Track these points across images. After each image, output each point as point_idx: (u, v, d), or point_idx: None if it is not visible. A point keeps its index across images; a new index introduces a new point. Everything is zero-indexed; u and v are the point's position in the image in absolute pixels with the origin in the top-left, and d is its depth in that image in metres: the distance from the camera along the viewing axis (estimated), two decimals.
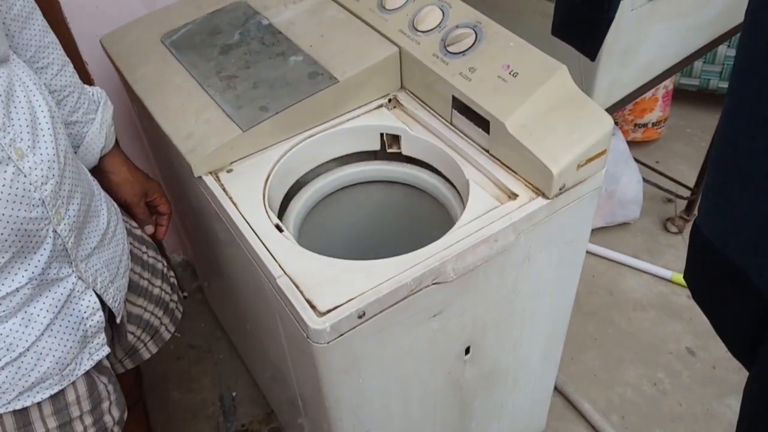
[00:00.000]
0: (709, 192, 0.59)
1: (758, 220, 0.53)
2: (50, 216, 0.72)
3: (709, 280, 0.63)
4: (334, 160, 1.03)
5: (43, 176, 0.71)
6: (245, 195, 0.88)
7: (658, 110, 2.05)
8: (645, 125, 2.09)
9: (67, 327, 0.78)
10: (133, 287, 0.98)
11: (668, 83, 2.01)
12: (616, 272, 1.80)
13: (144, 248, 1.03)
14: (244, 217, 0.85)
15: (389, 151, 1.03)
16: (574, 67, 0.90)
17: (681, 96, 2.26)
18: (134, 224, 1.04)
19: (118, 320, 0.91)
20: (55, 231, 0.74)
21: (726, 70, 2.08)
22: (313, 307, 0.74)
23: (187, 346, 1.69)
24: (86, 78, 1.34)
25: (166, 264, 1.10)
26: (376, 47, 1.00)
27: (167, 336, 1.09)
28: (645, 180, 1.86)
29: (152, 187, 1.05)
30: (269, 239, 0.82)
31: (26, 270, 0.72)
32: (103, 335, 0.84)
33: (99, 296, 0.82)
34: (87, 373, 0.82)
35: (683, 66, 1.30)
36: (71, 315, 0.78)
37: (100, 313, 0.82)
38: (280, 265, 0.79)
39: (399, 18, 1.01)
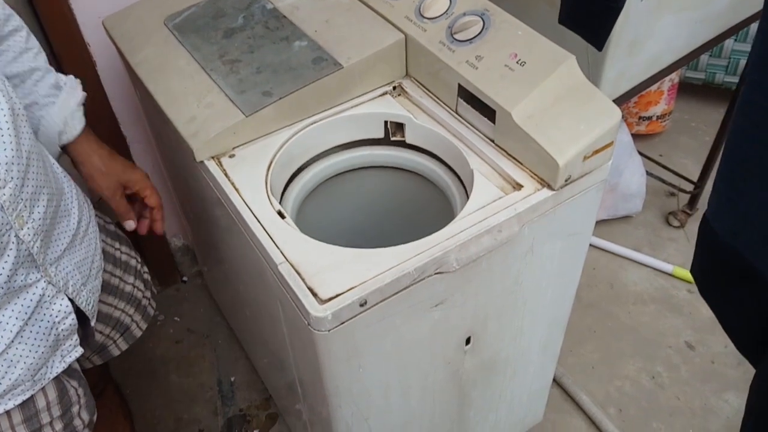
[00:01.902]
0: (720, 184, 0.58)
1: None
2: (11, 221, 0.68)
3: (717, 274, 0.62)
4: (338, 146, 1.02)
5: (1, 179, 0.67)
6: (247, 180, 0.88)
7: (663, 103, 2.04)
8: (649, 118, 2.07)
9: (38, 333, 0.75)
10: (103, 286, 0.94)
11: (674, 76, 2.00)
12: (617, 265, 1.80)
13: (117, 244, 1.00)
14: (246, 203, 0.85)
15: (393, 139, 1.02)
16: (581, 57, 0.89)
17: (686, 89, 2.24)
18: (108, 219, 1.00)
19: (92, 323, 0.88)
20: (17, 236, 0.70)
21: (732, 64, 2.06)
22: (314, 294, 0.74)
23: (186, 330, 1.69)
24: (88, 59, 1.33)
25: (140, 260, 1.06)
26: (381, 34, 0.99)
27: (138, 333, 1.06)
28: (648, 173, 1.85)
29: (134, 177, 0.97)
30: (271, 225, 0.82)
31: None
32: (75, 337, 0.81)
33: (71, 299, 0.80)
34: (57, 378, 0.80)
35: (690, 59, 1.29)
36: (42, 320, 0.76)
37: (73, 316, 0.79)
38: (281, 252, 0.78)
39: (405, 4, 1.00)
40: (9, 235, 0.69)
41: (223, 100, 0.93)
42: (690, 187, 1.87)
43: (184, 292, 1.79)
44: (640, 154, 1.86)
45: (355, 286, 0.74)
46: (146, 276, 1.08)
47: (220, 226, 1.04)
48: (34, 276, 0.73)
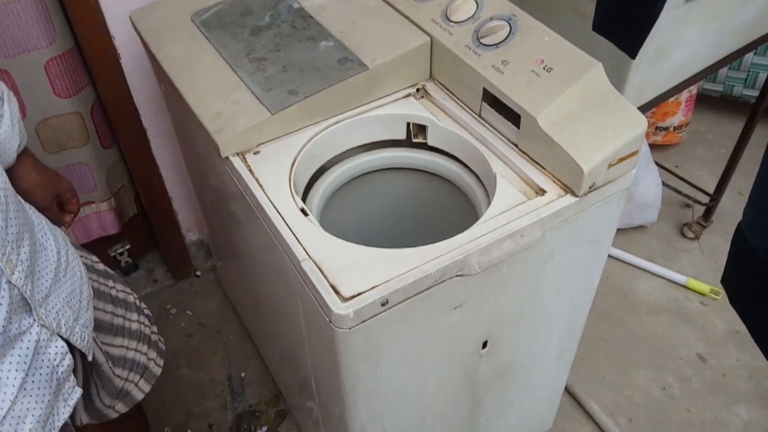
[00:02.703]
0: (757, 197, 0.58)
1: None
2: (1, 267, 0.64)
3: (749, 284, 0.62)
4: (360, 146, 1.03)
5: None
6: (271, 177, 0.88)
7: (680, 114, 2.03)
8: (666, 129, 2.07)
9: (40, 382, 0.71)
10: (107, 327, 0.90)
11: (692, 87, 2.00)
12: (630, 275, 1.79)
13: (111, 283, 0.95)
14: (270, 200, 0.85)
15: (415, 141, 1.02)
16: (606, 64, 0.89)
17: (704, 101, 2.24)
18: (95, 259, 0.96)
19: (89, 358, 0.83)
20: (9, 282, 0.65)
21: (751, 78, 2.06)
22: (337, 291, 0.74)
23: (198, 324, 1.70)
24: (112, 52, 1.34)
25: (136, 296, 1.03)
26: (407, 36, 1.00)
27: (158, 371, 1.02)
28: (664, 184, 1.85)
29: (64, 188, 0.94)
30: (294, 222, 0.82)
31: None
32: (72, 377, 0.77)
33: (65, 339, 0.75)
34: None
35: (712, 71, 1.29)
36: (42, 368, 0.71)
37: (69, 356, 0.75)
38: (304, 249, 0.79)
39: (432, 7, 1.00)
40: (0, 283, 0.64)
41: (250, 97, 0.93)
42: (705, 199, 1.86)
43: (197, 286, 1.80)
44: (657, 164, 1.86)
45: (377, 285, 0.74)
46: (147, 311, 1.04)
47: (240, 221, 1.05)
48: (27, 321, 0.69)
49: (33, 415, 0.69)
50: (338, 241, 0.80)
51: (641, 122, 0.83)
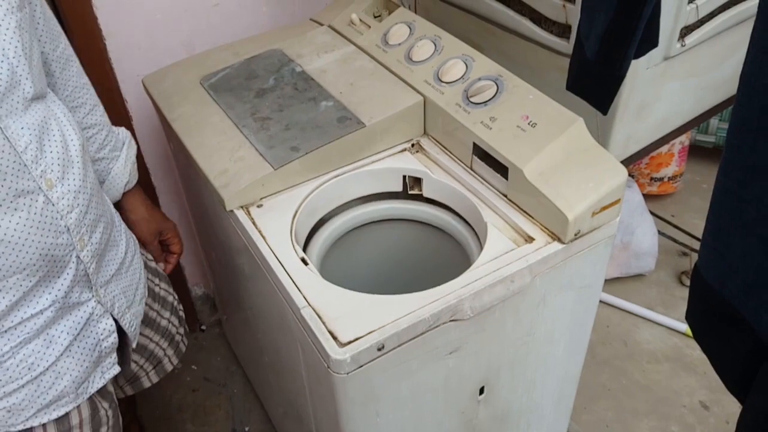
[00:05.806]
0: (708, 236, 0.63)
1: (752, 263, 0.57)
2: (74, 242, 0.77)
3: (709, 319, 0.66)
4: (359, 198, 1.08)
5: (69, 205, 0.76)
6: (273, 229, 0.93)
7: (674, 165, 2.09)
8: (661, 179, 2.12)
9: (84, 348, 0.83)
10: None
11: (684, 139, 2.06)
12: (630, 323, 1.81)
13: (157, 280, 1.08)
14: (272, 250, 0.89)
15: (411, 192, 1.07)
16: (591, 120, 0.94)
17: (697, 152, 2.30)
18: (150, 257, 1.09)
19: (133, 345, 0.95)
20: (78, 257, 0.78)
21: None
22: (334, 337, 0.77)
23: (202, 378, 1.72)
24: (125, 114, 1.41)
25: (176, 298, 1.14)
26: (402, 96, 1.06)
27: (169, 367, 1.12)
28: (660, 233, 1.88)
29: (168, 227, 1.11)
30: (295, 272, 0.86)
31: (50, 293, 0.76)
32: (114, 355, 0.89)
33: (116, 320, 0.87)
34: (90, 398, 0.86)
35: (697, 123, 1.35)
36: (89, 337, 0.83)
37: (115, 335, 0.87)
38: (304, 297, 0.82)
39: (425, 69, 1.07)
40: (71, 255, 0.77)
41: (254, 154, 0.99)
42: None
43: (202, 340, 1.82)
44: (653, 214, 1.90)
45: (374, 331, 0.77)
46: (181, 313, 1.15)
47: (244, 272, 1.09)
48: (86, 295, 0.82)
49: (71, 375, 0.81)
50: (336, 289, 0.83)
51: (621, 172, 0.88)
